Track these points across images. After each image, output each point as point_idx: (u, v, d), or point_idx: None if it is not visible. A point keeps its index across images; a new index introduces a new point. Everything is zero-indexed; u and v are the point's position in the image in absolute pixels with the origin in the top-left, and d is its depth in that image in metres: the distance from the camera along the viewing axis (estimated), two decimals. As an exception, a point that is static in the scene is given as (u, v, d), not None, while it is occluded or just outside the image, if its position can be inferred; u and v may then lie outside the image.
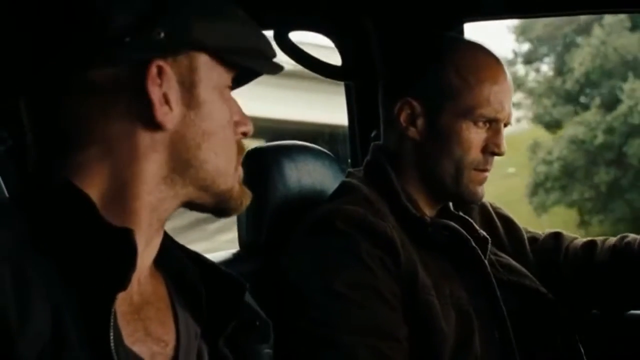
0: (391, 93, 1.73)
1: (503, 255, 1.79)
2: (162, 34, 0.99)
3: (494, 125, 1.67)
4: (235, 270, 1.61)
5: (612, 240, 1.83)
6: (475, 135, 1.65)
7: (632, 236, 1.81)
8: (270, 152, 1.86)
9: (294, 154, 1.87)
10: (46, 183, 1.00)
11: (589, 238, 1.87)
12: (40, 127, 1.02)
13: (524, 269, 1.77)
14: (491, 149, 1.67)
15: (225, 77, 1.07)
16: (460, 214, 1.77)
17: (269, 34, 2.11)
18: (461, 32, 2.09)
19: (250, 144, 1.67)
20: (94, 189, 1.00)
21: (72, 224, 0.97)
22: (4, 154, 1.44)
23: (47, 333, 0.91)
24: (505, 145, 1.68)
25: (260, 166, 1.82)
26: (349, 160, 2.24)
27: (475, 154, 1.66)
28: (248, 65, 1.08)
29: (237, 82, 1.13)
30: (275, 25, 2.10)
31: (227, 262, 1.76)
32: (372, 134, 1.97)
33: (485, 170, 1.69)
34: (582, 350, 1.77)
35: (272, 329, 1.19)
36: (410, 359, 1.55)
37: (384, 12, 2.10)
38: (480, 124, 1.66)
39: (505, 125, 1.69)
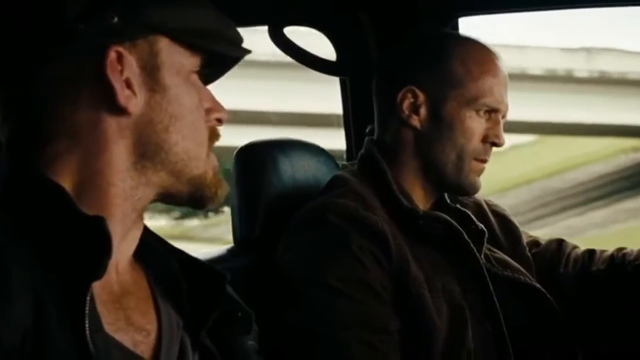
0: (393, 82, 1.74)
1: (498, 251, 1.79)
2: (116, 19, 0.99)
3: (494, 115, 1.70)
4: (229, 265, 1.63)
5: (610, 251, 1.85)
6: (477, 125, 1.69)
7: (629, 248, 1.83)
8: (265, 147, 1.86)
9: (288, 150, 1.87)
10: (21, 176, 1.01)
11: (589, 248, 1.89)
12: (11, 121, 1.03)
13: (519, 266, 1.77)
14: (491, 139, 1.70)
15: (190, 61, 1.06)
16: (457, 206, 1.77)
17: (263, 29, 2.10)
18: (456, 26, 2.09)
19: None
20: (67, 180, 1.01)
21: (47, 215, 0.98)
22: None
23: (29, 319, 0.91)
24: (504, 136, 1.71)
25: (254, 162, 1.82)
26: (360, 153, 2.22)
27: (476, 143, 1.69)
28: (209, 48, 1.07)
29: (214, 72, 1.13)
30: (270, 20, 2.09)
31: (221, 258, 1.76)
32: (367, 129, 1.97)
33: (485, 160, 1.72)
34: (576, 347, 1.77)
35: (254, 319, 1.19)
36: (402, 352, 1.56)
37: (379, 7, 2.10)
38: (482, 113, 1.69)
39: (503, 118, 1.73)
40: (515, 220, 1.89)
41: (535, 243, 1.89)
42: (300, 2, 2.12)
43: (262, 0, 2.08)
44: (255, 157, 1.83)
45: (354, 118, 2.16)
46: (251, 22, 2.20)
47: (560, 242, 1.89)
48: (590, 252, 1.86)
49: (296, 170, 1.84)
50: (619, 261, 1.81)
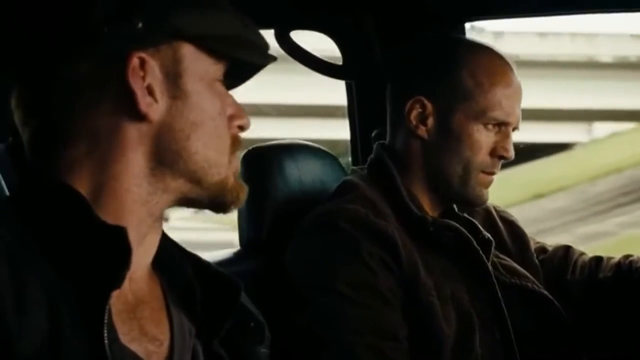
0: (401, 91, 1.73)
1: (506, 258, 1.78)
2: (141, 24, 0.98)
3: (504, 129, 1.68)
4: (236, 269, 1.63)
5: (617, 258, 1.85)
6: (485, 138, 1.67)
7: (636, 256, 1.83)
8: (271, 151, 1.86)
9: (295, 153, 1.87)
10: (40, 182, 1.00)
11: (596, 254, 1.88)
12: (32, 124, 1.02)
13: (526, 272, 1.77)
14: (499, 153, 1.68)
15: (214, 68, 1.05)
16: (465, 215, 1.76)
17: (270, 32, 2.11)
18: (462, 31, 2.09)
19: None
20: (85, 184, 1.00)
21: (66, 222, 0.97)
22: (4, 152, 1.44)
23: (45, 329, 0.91)
24: (513, 149, 1.69)
25: (261, 165, 1.82)
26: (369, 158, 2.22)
27: (483, 157, 1.67)
28: (234, 55, 1.06)
29: (238, 77, 1.12)
30: (276, 24, 2.09)
31: (228, 261, 1.75)
32: (373, 134, 1.97)
33: (492, 173, 1.70)
34: (583, 353, 1.76)
35: (267, 330, 1.18)
36: (411, 359, 1.55)
37: (385, 11, 2.09)
38: (490, 126, 1.67)
39: (514, 130, 1.71)
40: (523, 227, 1.89)
41: (542, 249, 1.89)
42: (306, 6, 2.12)
43: (268, 3, 2.08)
44: (262, 160, 1.83)
45: (359, 121, 2.16)
46: (257, 25, 2.20)
47: (567, 249, 1.89)
48: (597, 259, 1.85)
49: (303, 174, 1.84)
50: (626, 268, 1.81)
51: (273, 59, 1.10)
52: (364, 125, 2.14)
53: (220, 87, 1.07)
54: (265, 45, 1.09)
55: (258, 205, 1.79)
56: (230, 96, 1.09)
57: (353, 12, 2.11)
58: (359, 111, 2.17)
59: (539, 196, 15.38)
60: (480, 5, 2.11)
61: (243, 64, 1.08)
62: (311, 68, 2.13)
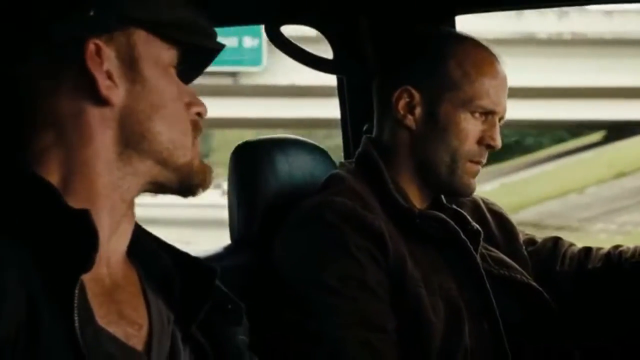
0: (389, 81, 1.74)
1: (494, 249, 1.79)
2: (92, 12, 1.01)
3: (490, 118, 1.69)
4: (227, 263, 1.64)
5: (606, 248, 1.86)
6: (473, 127, 1.68)
7: (625, 246, 1.84)
8: (262, 145, 1.86)
9: (286, 148, 1.87)
10: (7, 172, 1.02)
11: (586, 246, 1.89)
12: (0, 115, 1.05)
13: (515, 264, 1.78)
14: (487, 142, 1.69)
15: (167, 54, 1.09)
16: (453, 206, 1.77)
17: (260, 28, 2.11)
18: (452, 24, 2.09)
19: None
20: (55, 173, 1.03)
21: (35, 210, 0.99)
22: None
23: (23, 313, 0.93)
24: (500, 138, 1.70)
25: (252, 159, 1.82)
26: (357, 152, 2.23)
27: (471, 145, 1.68)
28: (185, 39, 1.09)
29: (190, 69, 1.14)
30: (267, 19, 2.09)
31: (219, 256, 1.76)
32: (364, 127, 1.97)
33: (479, 162, 1.70)
34: (572, 344, 1.77)
35: (244, 312, 1.20)
36: (400, 350, 1.56)
37: (375, 5, 2.10)
38: (477, 115, 1.68)
39: (500, 120, 1.72)
40: (512, 219, 1.89)
41: (531, 241, 1.89)
42: (296, 1, 2.12)
43: (257, -1, 2.08)
44: (252, 155, 1.83)
45: (351, 116, 2.16)
46: (248, 20, 2.20)
47: (556, 240, 1.90)
48: (587, 250, 1.86)
49: (293, 168, 1.84)
50: (616, 259, 1.82)
51: (221, 45, 1.13)
52: (355, 120, 2.14)
53: (174, 73, 1.10)
54: (213, 32, 1.13)
55: (249, 200, 1.80)
56: (184, 84, 1.12)
57: (344, 7, 2.11)
58: (350, 106, 2.17)
59: (620, 175, 15.57)
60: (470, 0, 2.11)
61: (193, 48, 1.11)
62: (302, 62, 2.13)
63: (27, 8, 1.01)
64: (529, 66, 13.64)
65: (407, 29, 2.03)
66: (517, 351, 1.67)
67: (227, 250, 1.81)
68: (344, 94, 2.17)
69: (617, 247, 1.85)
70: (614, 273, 1.81)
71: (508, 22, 14.93)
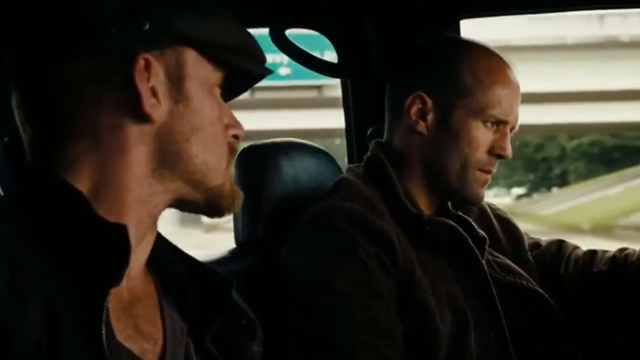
0: (402, 87, 1.74)
1: (500, 256, 1.79)
2: (147, 26, 1.00)
3: (502, 127, 1.69)
4: (232, 267, 1.63)
5: (612, 251, 1.85)
6: (484, 136, 1.68)
7: (631, 248, 1.84)
8: (267, 149, 1.86)
9: (290, 152, 1.87)
10: (39, 180, 1.01)
11: (591, 248, 1.89)
12: (34, 123, 1.03)
13: (521, 270, 1.78)
14: (497, 151, 1.69)
15: (214, 75, 1.08)
16: (459, 213, 1.77)
17: (264, 31, 2.11)
18: (457, 29, 2.09)
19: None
20: (85, 182, 1.01)
21: (66, 220, 0.98)
22: (0, 151, 1.44)
23: (43, 326, 0.91)
24: (510, 148, 1.70)
25: (257, 164, 1.82)
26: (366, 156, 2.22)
27: (481, 154, 1.68)
28: (235, 63, 1.08)
29: (233, 90, 1.14)
30: (271, 22, 2.09)
31: (224, 260, 1.75)
32: (369, 132, 1.97)
33: (489, 172, 1.71)
34: (579, 351, 1.77)
35: (259, 328, 1.20)
36: (407, 357, 1.56)
37: (380, 9, 2.09)
38: (489, 124, 1.68)
39: (512, 130, 1.72)
40: (518, 225, 1.89)
41: (536, 245, 1.89)
42: (301, 4, 2.12)
43: (263, 2, 2.08)
44: (257, 159, 1.83)
45: (355, 119, 2.17)
46: (252, 23, 2.20)
47: (560, 243, 1.90)
48: (592, 253, 1.86)
49: (298, 172, 1.84)
50: (621, 262, 1.82)
51: (270, 71, 1.12)
52: (359, 123, 2.14)
53: (218, 94, 1.09)
54: (263, 57, 1.11)
55: (254, 204, 1.79)
56: (226, 105, 1.11)
57: (348, 11, 2.11)
58: (355, 109, 2.17)
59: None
60: (474, 4, 2.11)
61: (242, 72, 1.10)
62: (306, 66, 2.14)
63: (83, 11, 0.99)
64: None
65: (411, 32, 2.03)
66: (523, 358, 1.67)
67: (232, 253, 1.81)
68: (349, 97, 2.17)
69: (622, 250, 1.85)
70: (620, 276, 1.81)
71: (592, 26, 15.17)
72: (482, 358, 1.62)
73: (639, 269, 1.78)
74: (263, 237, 1.78)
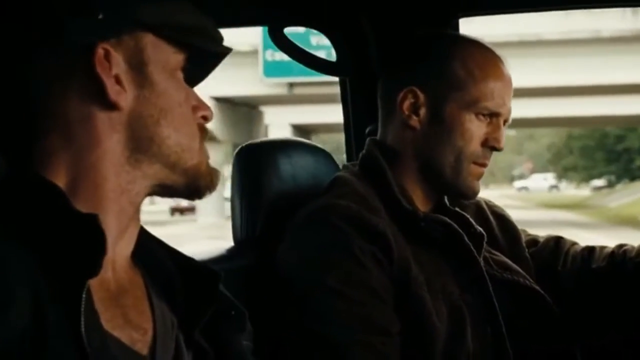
0: (394, 82, 1.74)
1: (497, 253, 1.79)
2: (102, 15, 1.01)
3: (495, 120, 1.69)
4: (230, 265, 1.64)
5: (611, 247, 1.85)
6: (477, 128, 1.68)
7: (630, 244, 1.83)
8: (266, 147, 1.87)
9: (289, 150, 1.87)
10: (15, 175, 1.02)
11: (589, 245, 1.89)
12: (4, 119, 1.04)
13: (517, 267, 1.78)
14: (491, 143, 1.69)
15: (175, 57, 1.09)
16: (456, 209, 1.77)
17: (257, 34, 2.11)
18: (456, 27, 2.09)
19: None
20: (61, 176, 1.03)
21: (42, 214, 0.99)
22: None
23: (28, 317, 0.93)
24: (504, 141, 1.70)
25: (255, 162, 1.82)
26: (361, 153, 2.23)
27: (475, 147, 1.68)
28: (193, 43, 1.09)
29: (195, 72, 1.15)
30: (270, 21, 2.10)
31: (221, 258, 1.76)
32: (367, 130, 1.97)
33: (484, 164, 1.71)
34: (576, 348, 1.77)
35: (247, 318, 1.20)
36: (403, 354, 1.56)
37: (378, 7, 2.10)
38: (482, 117, 1.68)
39: (505, 123, 1.72)
40: (514, 221, 1.89)
41: (533, 241, 1.89)
42: (299, 3, 2.12)
43: (262, 1, 2.08)
44: (255, 157, 1.83)
45: (353, 118, 2.17)
46: (251, 22, 2.21)
47: (558, 240, 1.90)
48: (590, 249, 1.86)
49: (296, 170, 1.84)
50: (620, 258, 1.81)
51: (228, 49, 1.14)
52: (358, 122, 2.14)
53: (181, 77, 1.11)
54: (220, 36, 1.13)
55: (252, 202, 1.80)
56: (191, 89, 1.13)
57: (347, 9, 2.11)
58: (353, 108, 2.17)
59: None
60: (474, 2, 2.11)
61: (200, 52, 1.11)
62: (305, 64, 2.14)
63: (37, 9, 1.01)
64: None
65: (410, 31, 2.03)
66: (520, 355, 1.67)
67: (230, 251, 1.81)
68: (347, 95, 2.17)
69: (621, 246, 1.84)
70: (618, 272, 1.80)
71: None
72: (479, 355, 1.62)
73: (637, 265, 1.78)
74: (261, 235, 1.78)
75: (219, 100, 21.25)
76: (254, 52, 20.29)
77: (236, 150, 1.84)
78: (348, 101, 2.17)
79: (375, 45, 2.09)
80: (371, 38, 2.09)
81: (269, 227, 1.77)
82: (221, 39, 1.13)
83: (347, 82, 2.17)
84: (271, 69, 20.90)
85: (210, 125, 1.16)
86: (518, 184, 59.01)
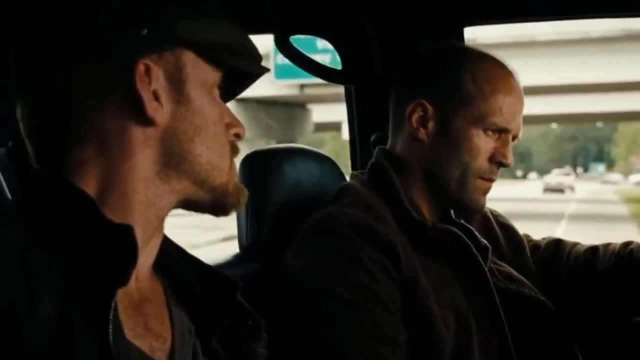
0: (404, 94, 1.74)
1: (503, 264, 1.79)
2: (145, 31, 1.01)
3: (503, 135, 1.69)
4: (236, 272, 1.63)
5: (616, 246, 1.84)
6: (485, 144, 1.67)
7: (635, 243, 1.83)
8: (271, 155, 1.87)
9: (294, 158, 1.88)
10: (46, 183, 1.03)
11: (591, 244, 1.88)
12: (39, 128, 1.05)
13: (523, 278, 1.78)
14: (498, 159, 1.68)
15: (213, 75, 1.09)
16: (462, 221, 1.77)
17: (269, 37, 2.12)
18: (461, 37, 2.10)
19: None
20: (92, 185, 1.03)
21: (74, 222, 0.99)
22: (4, 156, 1.46)
23: (53, 322, 0.93)
24: (512, 156, 1.69)
25: (261, 169, 1.83)
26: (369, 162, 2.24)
27: (482, 162, 1.67)
28: (233, 63, 1.10)
29: (231, 90, 1.15)
30: (275, 29, 2.11)
31: (228, 264, 1.76)
32: (373, 137, 1.97)
33: (490, 179, 1.70)
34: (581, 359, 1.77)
35: (263, 328, 1.21)
36: (410, 364, 1.56)
37: (384, 16, 2.10)
38: (490, 132, 1.67)
39: (514, 138, 1.71)
40: (519, 231, 1.89)
41: (536, 247, 1.90)
42: (305, 11, 2.13)
43: (267, 9, 2.09)
44: (261, 164, 1.84)
45: (359, 126, 2.17)
46: (257, 30, 2.21)
47: (557, 242, 1.90)
48: (593, 249, 1.85)
49: (302, 178, 1.85)
50: (626, 257, 1.80)
51: (266, 69, 1.14)
52: (363, 130, 2.15)
53: (217, 94, 1.11)
54: (259, 56, 1.13)
55: (257, 209, 1.80)
56: (226, 105, 1.13)
57: (352, 18, 2.12)
58: (359, 115, 2.18)
59: None
60: (478, 11, 2.11)
61: (239, 72, 1.12)
62: (311, 73, 2.15)
63: (81, 22, 1.01)
64: None
65: (415, 40, 2.04)
66: (525, 365, 1.67)
67: (236, 258, 1.81)
68: (352, 104, 2.18)
69: (627, 245, 1.83)
70: (624, 271, 1.79)
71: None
72: None
73: None
74: (267, 242, 1.79)
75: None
76: (266, 56, 20.44)
77: (242, 158, 1.85)
78: (353, 109, 2.17)
79: (380, 54, 2.10)
80: (376, 47, 2.10)
81: (274, 234, 1.78)
82: (260, 58, 1.13)
83: (352, 90, 2.18)
84: (282, 72, 21.05)
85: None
86: (633, 178, 59.18)
